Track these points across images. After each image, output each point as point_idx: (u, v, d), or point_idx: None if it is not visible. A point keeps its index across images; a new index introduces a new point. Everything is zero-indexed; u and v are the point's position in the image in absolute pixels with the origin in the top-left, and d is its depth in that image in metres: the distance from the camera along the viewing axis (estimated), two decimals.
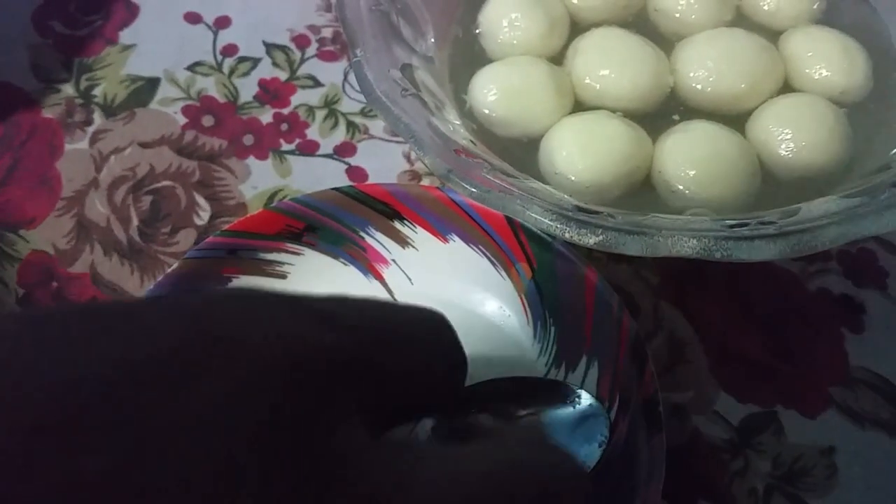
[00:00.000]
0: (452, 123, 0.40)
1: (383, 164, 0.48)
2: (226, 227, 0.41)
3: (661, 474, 0.33)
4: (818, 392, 0.40)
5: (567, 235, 0.33)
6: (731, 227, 0.34)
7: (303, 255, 0.42)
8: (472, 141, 0.40)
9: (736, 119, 0.42)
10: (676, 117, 0.43)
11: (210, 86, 0.52)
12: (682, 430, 0.39)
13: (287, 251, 0.42)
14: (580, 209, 0.35)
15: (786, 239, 0.32)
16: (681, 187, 0.39)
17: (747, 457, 0.38)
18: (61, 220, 0.47)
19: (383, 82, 0.38)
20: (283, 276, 0.42)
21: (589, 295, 0.38)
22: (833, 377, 0.40)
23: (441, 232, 0.42)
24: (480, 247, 0.41)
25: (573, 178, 0.39)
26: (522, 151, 0.42)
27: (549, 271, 0.40)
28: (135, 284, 0.44)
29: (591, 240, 0.33)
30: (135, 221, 0.46)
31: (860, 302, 0.42)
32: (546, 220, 0.34)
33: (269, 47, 0.53)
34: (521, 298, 0.41)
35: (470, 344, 0.39)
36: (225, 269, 0.41)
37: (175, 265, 0.40)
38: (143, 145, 0.49)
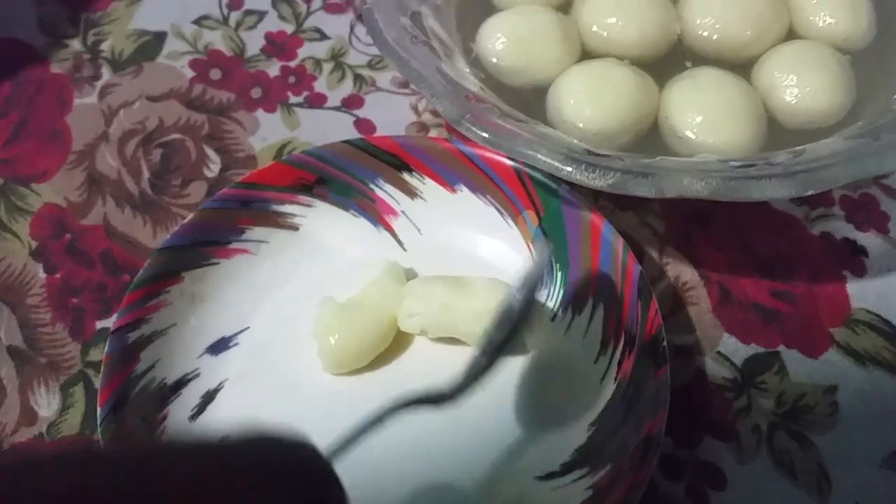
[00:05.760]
0: (461, 71, 0.40)
1: (391, 116, 0.49)
2: (238, 178, 0.42)
3: (665, 404, 0.34)
4: (820, 333, 0.41)
5: (577, 178, 0.34)
6: (739, 167, 0.34)
7: (314, 206, 0.43)
8: (481, 87, 0.40)
9: (742, 66, 0.42)
10: (689, 63, 0.43)
11: (217, 39, 0.52)
12: (687, 370, 0.40)
13: (299, 203, 0.42)
14: (590, 152, 0.35)
15: (792, 178, 0.33)
16: (687, 133, 0.39)
17: (751, 395, 0.39)
18: (72, 173, 0.47)
19: (393, 29, 0.39)
20: (295, 228, 0.43)
21: (594, 239, 0.39)
22: (835, 318, 0.41)
23: (449, 182, 0.42)
24: (488, 196, 0.42)
25: (581, 126, 0.40)
26: (530, 100, 0.42)
27: (555, 218, 0.40)
28: (148, 236, 0.45)
29: (600, 182, 0.34)
30: (146, 174, 0.47)
31: (862, 245, 0.43)
32: (557, 164, 0.34)
33: (275, 0, 0.53)
34: (529, 246, 0.41)
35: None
36: (239, 220, 0.41)
37: (190, 216, 0.40)
38: (152, 99, 0.50)
